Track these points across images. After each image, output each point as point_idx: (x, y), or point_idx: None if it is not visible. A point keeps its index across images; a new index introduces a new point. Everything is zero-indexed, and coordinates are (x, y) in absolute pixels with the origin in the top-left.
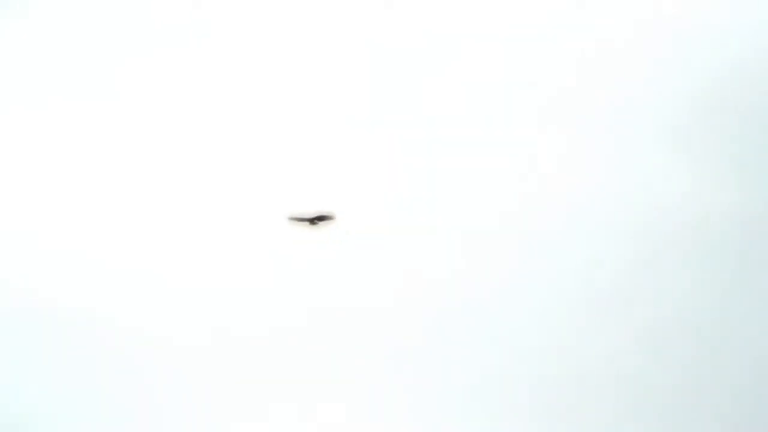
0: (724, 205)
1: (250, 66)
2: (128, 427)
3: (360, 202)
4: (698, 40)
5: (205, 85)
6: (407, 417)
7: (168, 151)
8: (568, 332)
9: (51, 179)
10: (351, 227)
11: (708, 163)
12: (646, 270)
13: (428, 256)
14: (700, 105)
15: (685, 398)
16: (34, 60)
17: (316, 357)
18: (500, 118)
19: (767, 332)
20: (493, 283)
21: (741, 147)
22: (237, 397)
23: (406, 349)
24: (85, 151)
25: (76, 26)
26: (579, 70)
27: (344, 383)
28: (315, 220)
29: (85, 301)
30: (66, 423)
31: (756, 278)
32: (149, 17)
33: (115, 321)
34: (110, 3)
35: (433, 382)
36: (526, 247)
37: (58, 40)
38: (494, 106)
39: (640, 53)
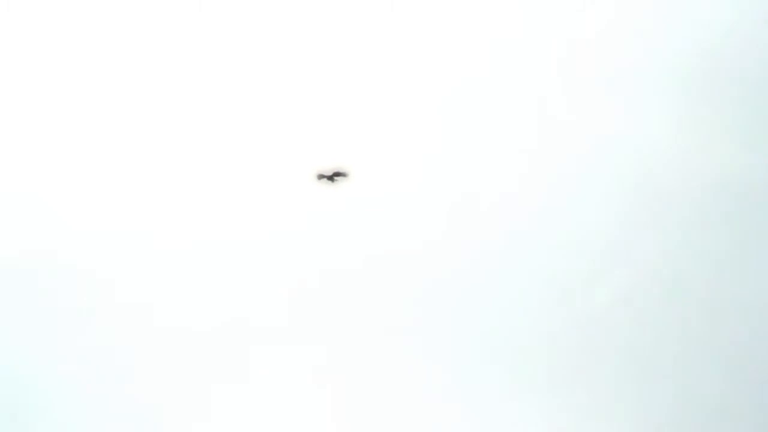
0: (730, 172)
1: (254, 51)
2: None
3: (373, 165)
4: (701, 7)
5: (210, 57)
6: (420, 383)
7: (178, 131)
8: (575, 297)
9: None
10: (362, 191)
11: (714, 132)
12: (647, 235)
13: (441, 221)
14: (703, 74)
15: (682, 362)
16: (34, 60)
17: (322, 320)
18: (513, 75)
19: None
20: (502, 247)
21: (745, 114)
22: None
23: (416, 311)
24: (95, 121)
25: (76, 26)
26: (581, 47)
27: (352, 352)
28: (333, 176)
29: (105, 270)
30: (64, 403)
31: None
32: (149, 17)
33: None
34: (110, 3)
35: (444, 343)
36: (532, 212)
37: (58, 39)
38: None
39: (642, 27)
